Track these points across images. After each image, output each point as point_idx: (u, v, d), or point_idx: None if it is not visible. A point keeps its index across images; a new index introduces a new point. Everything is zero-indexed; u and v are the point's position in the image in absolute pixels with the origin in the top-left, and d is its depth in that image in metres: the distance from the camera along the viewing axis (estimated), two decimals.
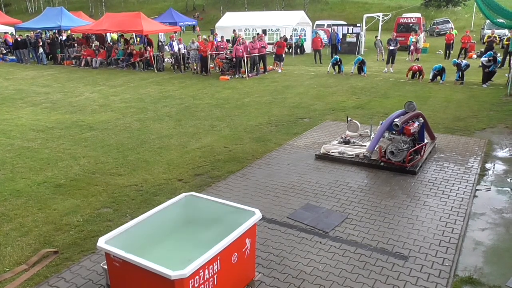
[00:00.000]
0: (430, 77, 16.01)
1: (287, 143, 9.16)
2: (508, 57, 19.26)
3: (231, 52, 19.01)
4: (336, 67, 18.77)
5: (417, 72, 16.66)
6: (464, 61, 16.15)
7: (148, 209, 4.83)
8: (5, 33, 29.61)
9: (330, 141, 8.99)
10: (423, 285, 4.39)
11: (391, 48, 18.92)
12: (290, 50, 26.23)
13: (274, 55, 20.31)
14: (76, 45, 24.81)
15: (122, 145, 9.17)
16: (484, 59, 15.38)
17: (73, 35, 26.07)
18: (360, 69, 18.20)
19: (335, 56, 19.13)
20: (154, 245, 4.40)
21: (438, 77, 15.94)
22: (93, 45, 23.94)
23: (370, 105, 12.62)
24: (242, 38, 19.30)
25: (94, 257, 4.97)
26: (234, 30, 26.09)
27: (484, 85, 15.08)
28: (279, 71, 19.54)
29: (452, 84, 15.45)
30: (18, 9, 70.30)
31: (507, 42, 19.62)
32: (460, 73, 15.72)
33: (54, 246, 5.23)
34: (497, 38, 20.64)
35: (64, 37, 25.70)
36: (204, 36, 20.85)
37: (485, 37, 21.62)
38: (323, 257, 4.92)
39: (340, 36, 26.28)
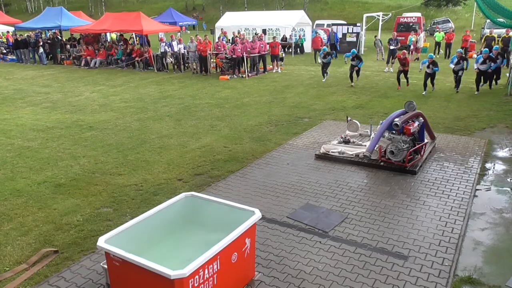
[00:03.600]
0: (420, 68, 14.25)
1: (287, 142, 9.16)
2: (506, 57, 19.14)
3: (226, 54, 18.95)
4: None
5: (404, 63, 14.38)
6: (459, 65, 13.99)
7: (148, 209, 4.83)
8: (6, 32, 29.63)
9: (330, 140, 8.99)
10: (422, 285, 4.39)
11: (391, 47, 18.88)
12: (290, 50, 26.21)
13: (270, 56, 20.13)
14: (81, 44, 24.66)
15: (122, 145, 9.17)
16: (482, 65, 13.86)
17: (74, 35, 26.07)
18: (354, 73, 15.54)
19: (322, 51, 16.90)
20: (154, 245, 4.41)
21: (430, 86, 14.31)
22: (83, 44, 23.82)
23: (370, 104, 12.63)
24: (243, 38, 19.22)
25: (94, 256, 4.98)
26: (233, 32, 26.01)
27: (477, 93, 13.55)
28: (279, 71, 19.49)
29: (452, 83, 15.42)
30: (18, 8, 70.39)
31: (501, 44, 19.36)
32: (456, 76, 14.24)
33: (54, 245, 5.23)
34: (496, 38, 20.47)
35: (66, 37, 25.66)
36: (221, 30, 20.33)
37: (483, 37, 21.47)
38: (322, 256, 4.92)
39: (340, 36, 26.25)
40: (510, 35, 18.97)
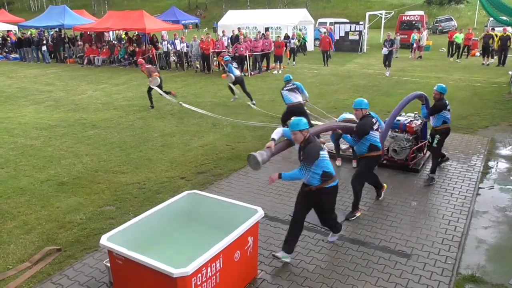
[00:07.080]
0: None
1: None
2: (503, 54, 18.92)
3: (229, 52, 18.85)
4: None
5: None
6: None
7: (151, 207, 4.83)
8: (9, 31, 29.67)
9: None
10: (425, 283, 4.39)
11: (384, 51, 17.22)
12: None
13: (274, 56, 19.83)
14: (82, 43, 24.66)
15: (124, 143, 9.18)
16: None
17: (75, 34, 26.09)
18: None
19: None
20: (156, 243, 4.41)
21: None
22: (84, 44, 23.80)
23: (373, 103, 12.51)
24: (245, 36, 19.16)
25: (97, 254, 4.99)
26: (233, 31, 25.89)
27: None
28: (280, 72, 19.27)
29: (455, 81, 15.37)
30: (21, 7, 70.42)
31: (498, 43, 18.99)
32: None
33: (57, 243, 5.25)
34: (495, 35, 20.13)
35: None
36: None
37: (481, 36, 21.06)
38: (325, 255, 4.92)
39: (342, 34, 26.07)
40: (508, 34, 18.82)
